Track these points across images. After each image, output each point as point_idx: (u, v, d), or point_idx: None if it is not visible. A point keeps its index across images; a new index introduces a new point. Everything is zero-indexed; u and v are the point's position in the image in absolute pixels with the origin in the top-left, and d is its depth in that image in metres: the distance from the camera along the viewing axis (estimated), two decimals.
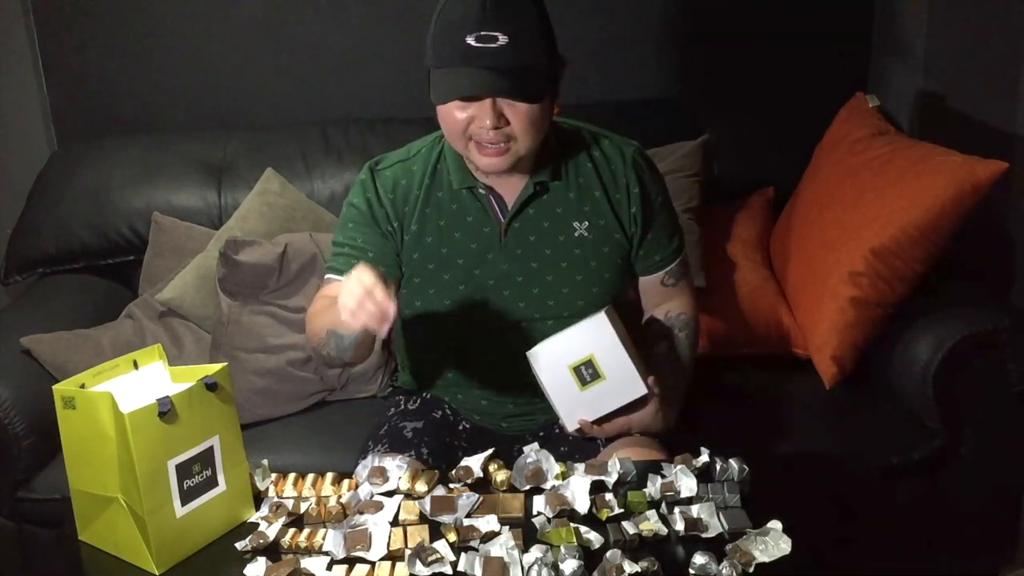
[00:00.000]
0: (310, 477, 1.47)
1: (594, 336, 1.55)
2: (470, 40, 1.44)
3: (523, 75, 1.47)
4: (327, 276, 1.68)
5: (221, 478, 1.35)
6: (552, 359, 1.56)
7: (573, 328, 1.56)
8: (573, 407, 1.57)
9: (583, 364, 1.55)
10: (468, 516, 1.36)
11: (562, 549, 1.25)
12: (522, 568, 1.23)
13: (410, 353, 1.78)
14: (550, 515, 1.35)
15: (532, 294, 1.65)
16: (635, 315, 1.78)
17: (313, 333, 1.63)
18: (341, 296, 1.38)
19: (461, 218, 1.64)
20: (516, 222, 1.64)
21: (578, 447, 1.66)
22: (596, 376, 1.55)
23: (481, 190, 1.62)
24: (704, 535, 1.31)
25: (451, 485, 1.44)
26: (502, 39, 1.44)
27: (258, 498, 1.43)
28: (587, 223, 1.65)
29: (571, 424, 1.58)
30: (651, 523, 1.32)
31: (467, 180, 1.63)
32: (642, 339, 1.71)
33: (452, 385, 1.73)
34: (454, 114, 1.51)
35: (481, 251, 1.64)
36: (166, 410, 1.26)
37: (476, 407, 1.73)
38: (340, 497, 1.41)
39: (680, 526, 1.31)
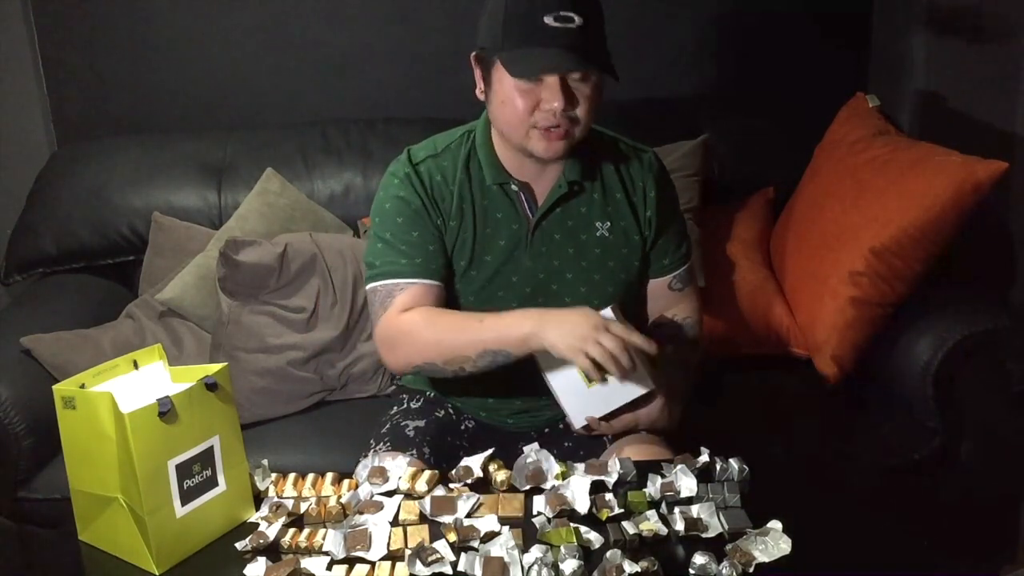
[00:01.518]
0: (310, 477, 1.47)
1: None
2: (548, 20, 1.45)
3: (598, 53, 1.50)
4: (392, 282, 1.60)
5: (221, 478, 1.35)
6: (559, 357, 1.56)
7: None
8: (580, 404, 1.56)
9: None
10: (468, 516, 1.36)
11: (562, 549, 1.25)
12: (522, 568, 1.23)
13: None
14: (550, 515, 1.35)
15: (551, 290, 1.66)
16: (642, 316, 1.79)
17: (434, 333, 1.57)
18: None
19: (492, 215, 1.65)
20: (544, 220, 1.64)
21: (583, 444, 1.67)
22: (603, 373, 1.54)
23: (514, 187, 1.63)
24: (704, 535, 1.31)
25: (451, 485, 1.44)
26: (578, 20, 1.46)
27: (258, 498, 1.43)
28: (608, 223, 1.66)
29: (578, 421, 1.58)
30: (651, 523, 1.32)
31: (500, 176, 1.63)
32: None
33: (459, 381, 1.73)
34: (516, 101, 1.51)
35: (510, 248, 1.65)
36: (166, 410, 1.26)
37: (482, 404, 1.74)
38: (340, 497, 1.41)
39: (680, 526, 1.31)
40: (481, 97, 1.59)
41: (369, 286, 1.63)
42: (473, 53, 1.57)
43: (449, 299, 1.65)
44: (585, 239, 1.65)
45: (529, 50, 1.47)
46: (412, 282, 1.60)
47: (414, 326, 1.57)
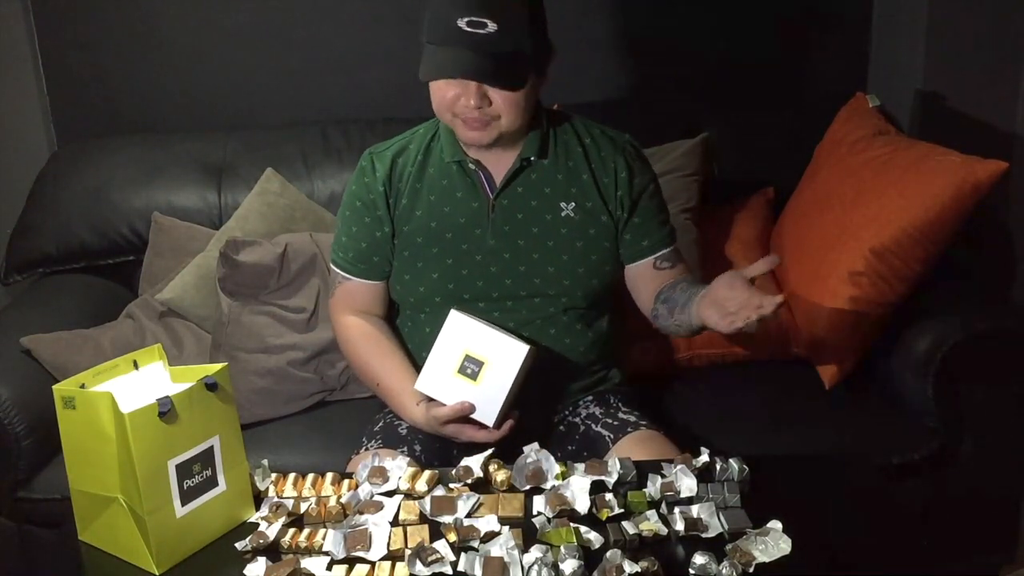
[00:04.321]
0: (310, 477, 1.47)
1: (456, 333, 1.58)
2: (461, 23, 1.50)
3: (508, 61, 1.53)
4: (338, 272, 1.78)
5: (221, 478, 1.35)
6: (438, 380, 1.59)
7: (436, 342, 1.59)
8: (482, 404, 1.58)
9: (463, 362, 1.57)
10: (468, 516, 1.36)
11: (562, 549, 1.25)
12: (522, 568, 1.23)
13: (405, 334, 1.79)
14: (550, 515, 1.35)
15: (519, 271, 1.67)
16: (621, 301, 1.80)
17: (353, 362, 1.82)
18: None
19: (451, 193, 1.68)
20: (504, 199, 1.67)
21: (586, 444, 1.68)
22: (479, 364, 1.57)
23: (471, 165, 1.67)
24: (704, 535, 1.31)
25: (451, 485, 1.44)
26: (491, 26, 1.50)
27: (258, 498, 1.43)
28: (574, 204, 1.68)
29: (491, 419, 1.58)
30: (651, 523, 1.32)
31: (458, 154, 1.68)
32: (660, 300, 1.71)
33: None
34: (442, 90, 1.58)
35: (469, 226, 1.68)
36: (166, 410, 1.26)
37: None
38: (340, 497, 1.41)
39: (680, 526, 1.31)
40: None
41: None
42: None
43: (414, 276, 1.70)
44: (550, 219, 1.68)
45: (440, 49, 1.53)
46: (347, 277, 1.77)
47: (344, 339, 1.80)
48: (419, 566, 1.24)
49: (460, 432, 1.60)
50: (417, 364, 1.72)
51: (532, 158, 1.67)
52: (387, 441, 1.68)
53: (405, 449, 1.65)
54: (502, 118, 1.58)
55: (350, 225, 1.74)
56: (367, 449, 1.68)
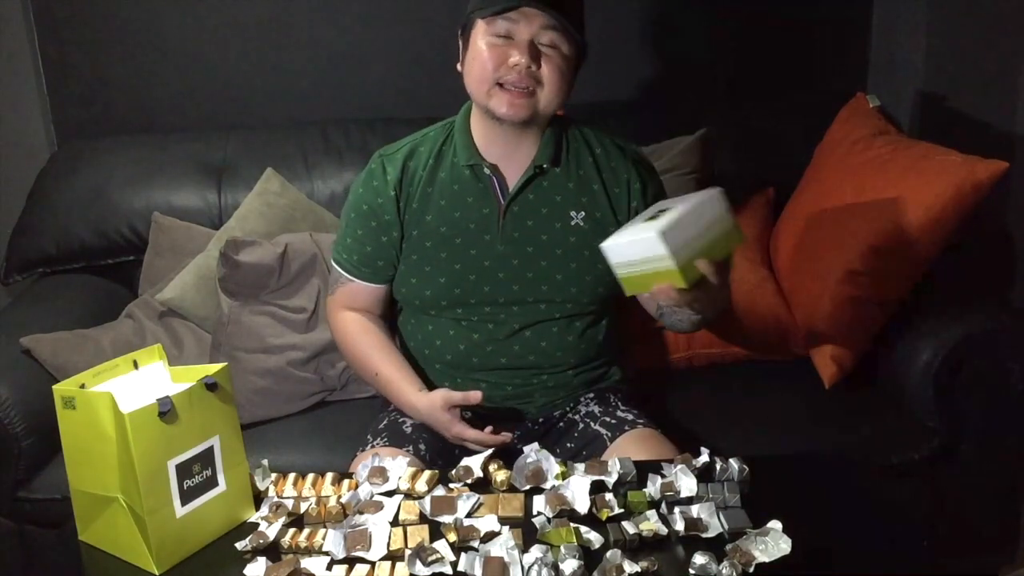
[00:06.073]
0: (310, 477, 1.47)
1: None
2: None
3: (571, 15, 1.56)
4: (340, 273, 1.77)
5: (221, 478, 1.35)
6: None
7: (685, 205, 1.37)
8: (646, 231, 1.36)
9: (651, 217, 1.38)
10: (468, 516, 1.36)
11: (562, 549, 1.25)
12: (522, 568, 1.23)
13: (407, 332, 1.79)
14: (550, 515, 1.35)
15: (526, 278, 1.68)
16: (619, 316, 1.80)
17: (350, 355, 1.80)
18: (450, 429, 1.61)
19: (462, 198, 1.68)
20: (515, 205, 1.67)
21: (585, 441, 1.68)
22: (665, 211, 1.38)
23: (486, 169, 1.66)
24: (704, 535, 1.31)
25: (451, 485, 1.44)
26: None
27: (258, 498, 1.43)
28: (584, 213, 1.68)
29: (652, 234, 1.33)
30: (651, 523, 1.32)
31: (473, 157, 1.66)
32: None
33: (450, 368, 1.74)
34: (485, 55, 1.57)
35: (479, 232, 1.67)
36: (166, 410, 1.26)
37: (475, 390, 1.74)
38: (340, 497, 1.41)
39: (680, 526, 1.31)
40: (460, 69, 1.65)
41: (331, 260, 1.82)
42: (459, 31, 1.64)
43: (422, 280, 1.69)
44: (559, 227, 1.68)
45: (501, 5, 1.54)
46: (349, 279, 1.76)
47: (342, 333, 1.79)
48: (419, 566, 1.24)
49: (462, 432, 1.60)
50: (415, 362, 1.74)
51: (545, 165, 1.67)
52: (392, 439, 1.68)
53: (410, 448, 1.65)
54: (545, 88, 1.57)
55: (355, 228, 1.74)
56: (372, 447, 1.68)
